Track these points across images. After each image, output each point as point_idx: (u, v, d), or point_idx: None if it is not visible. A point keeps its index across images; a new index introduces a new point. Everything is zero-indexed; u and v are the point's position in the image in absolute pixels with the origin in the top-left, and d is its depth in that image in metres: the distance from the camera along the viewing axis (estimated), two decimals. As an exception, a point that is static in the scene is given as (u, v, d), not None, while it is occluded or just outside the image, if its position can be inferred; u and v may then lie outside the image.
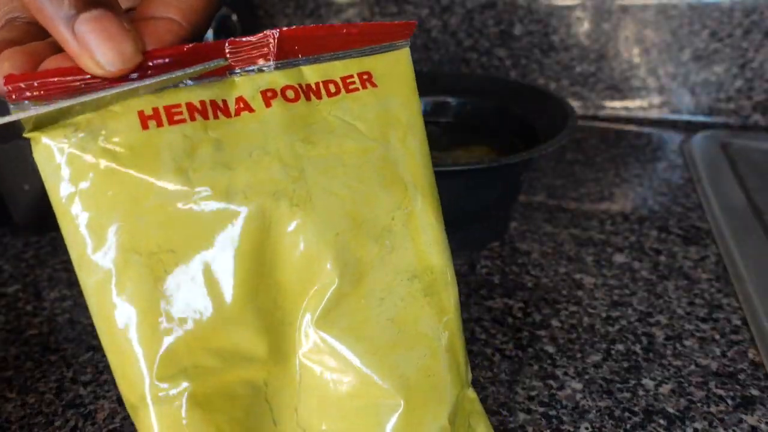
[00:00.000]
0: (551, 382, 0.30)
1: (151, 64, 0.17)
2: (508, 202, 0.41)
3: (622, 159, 0.54)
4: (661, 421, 0.27)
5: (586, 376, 0.30)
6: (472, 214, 0.38)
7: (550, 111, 0.42)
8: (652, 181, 0.50)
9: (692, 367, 0.30)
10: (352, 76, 0.20)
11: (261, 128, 0.18)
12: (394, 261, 0.20)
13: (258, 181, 0.18)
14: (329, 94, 0.20)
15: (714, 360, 0.31)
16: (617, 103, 0.63)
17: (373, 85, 0.20)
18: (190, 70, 0.17)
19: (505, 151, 0.43)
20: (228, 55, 0.18)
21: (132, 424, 0.28)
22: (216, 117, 0.18)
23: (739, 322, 0.33)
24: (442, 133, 0.47)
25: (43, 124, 0.16)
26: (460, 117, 0.49)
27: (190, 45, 0.18)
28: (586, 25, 0.61)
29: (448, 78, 0.50)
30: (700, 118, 0.62)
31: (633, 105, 0.63)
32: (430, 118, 0.49)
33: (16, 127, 0.17)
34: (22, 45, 0.17)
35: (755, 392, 0.29)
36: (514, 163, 0.34)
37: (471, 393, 0.22)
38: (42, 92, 0.16)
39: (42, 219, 0.43)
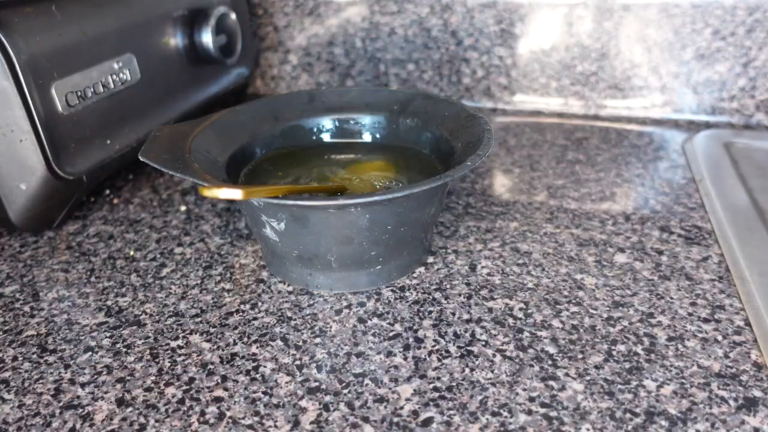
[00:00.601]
0: (552, 383, 0.29)
1: None
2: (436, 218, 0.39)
3: (624, 159, 0.54)
4: (663, 423, 0.27)
5: (588, 377, 0.30)
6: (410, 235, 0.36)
7: (443, 111, 0.42)
8: (654, 180, 0.49)
9: (694, 368, 0.30)
10: None
11: None
12: None
13: None
14: None
15: (716, 361, 0.30)
16: (619, 103, 0.63)
17: None
18: None
19: (403, 164, 0.42)
20: None
21: (131, 426, 0.28)
22: None
23: (741, 323, 0.33)
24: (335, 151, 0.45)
25: None
26: (346, 135, 0.46)
27: None
28: (587, 24, 0.61)
29: (326, 95, 0.46)
30: (703, 118, 0.61)
31: (635, 104, 0.63)
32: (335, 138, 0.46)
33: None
34: None
35: (758, 393, 0.28)
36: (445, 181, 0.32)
37: None
38: None
39: (39, 219, 0.43)
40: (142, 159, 0.34)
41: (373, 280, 0.37)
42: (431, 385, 0.29)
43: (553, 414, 0.28)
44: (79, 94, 0.41)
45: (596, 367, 0.30)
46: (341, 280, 0.36)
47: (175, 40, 0.52)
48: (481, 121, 0.38)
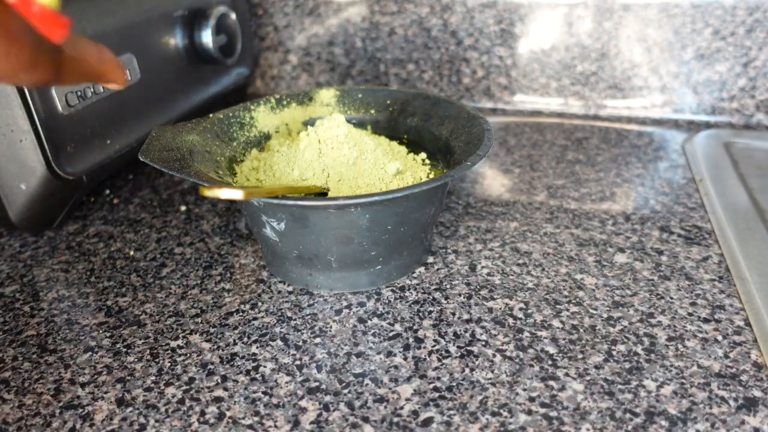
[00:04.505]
0: (552, 383, 0.29)
1: None
2: (437, 217, 0.39)
3: (624, 159, 0.54)
4: (663, 423, 0.27)
5: (588, 377, 0.30)
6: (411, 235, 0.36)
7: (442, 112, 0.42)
8: (654, 180, 0.49)
9: (694, 368, 0.30)
10: None
11: None
12: None
13: None
14: None
15: (716, 361, 0.30)
16: (619, 103, 0.63)
17: None
18: None
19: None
20: None
21: (131, 426, 0.28)
22: None
23: (741, 323, 0.33)
24: None
25: None
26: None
27: None
28: (587, 24, 0.61)
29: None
30: (703, 118, 0.61)
31: (635, 104, 0.63)
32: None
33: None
34: None
35: (758, 393, 0.28)
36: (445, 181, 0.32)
37: None
38: None
39: (39, 219, 0.43)
40: (142, 159, 0.34)
41: (373, 280, 0.37)
42: (431, 385, 0.29)
43: (553, 414, 0.28)
44: (79, 94, 0.41)
45: (596, 367, 0.30)
46: (341, 280, 0.36)
47: (175, 40, 0.52)
48: (481, 121, 0.38)
